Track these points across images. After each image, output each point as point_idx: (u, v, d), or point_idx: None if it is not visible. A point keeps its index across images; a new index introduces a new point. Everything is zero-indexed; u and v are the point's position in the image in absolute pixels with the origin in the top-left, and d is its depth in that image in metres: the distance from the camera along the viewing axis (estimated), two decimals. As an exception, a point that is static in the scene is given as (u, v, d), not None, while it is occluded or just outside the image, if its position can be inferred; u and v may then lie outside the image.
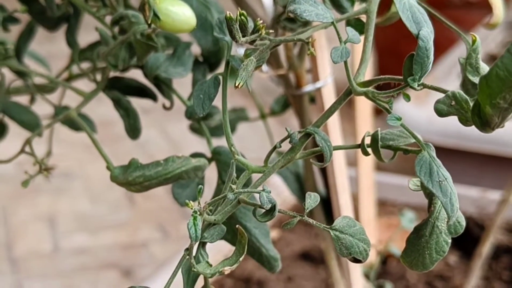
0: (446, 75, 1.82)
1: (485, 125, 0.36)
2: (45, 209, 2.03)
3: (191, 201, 0.43)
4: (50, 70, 0.77)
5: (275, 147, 0.47)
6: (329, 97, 0.72)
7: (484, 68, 0.39)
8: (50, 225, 1.97)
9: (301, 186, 0.78)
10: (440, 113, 0.38)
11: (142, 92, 0.62)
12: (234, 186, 0.43)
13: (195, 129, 0.64)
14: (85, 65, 0.66)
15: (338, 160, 0.69)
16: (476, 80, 0.39)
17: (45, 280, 1.78)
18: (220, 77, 0.47)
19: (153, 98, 0.63)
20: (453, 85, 1.79)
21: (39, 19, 0.65)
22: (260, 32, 0.44)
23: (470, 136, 1.51)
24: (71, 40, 0.65)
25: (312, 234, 1.31)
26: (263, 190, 0.43)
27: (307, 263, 1.26)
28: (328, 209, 0.79)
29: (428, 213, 0.42)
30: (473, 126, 0.38)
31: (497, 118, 0.35)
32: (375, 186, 1.15)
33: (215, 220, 0.45)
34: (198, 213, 0.43)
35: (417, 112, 1.51)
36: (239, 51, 0.73)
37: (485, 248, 1.11)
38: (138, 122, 0.61)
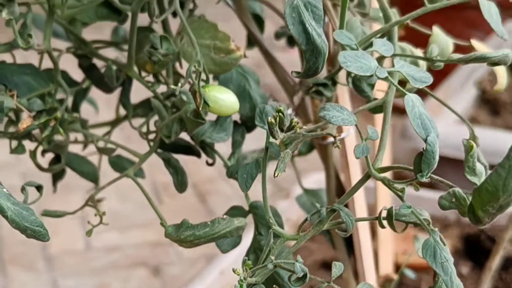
0: (463, 84, 1.90)
1: (478, 222, 0.45)
2: (77, 207, 2.13)
3: (238, 269, 0.53)
4: (97, 109, 0.87)
5: (306, 220, 0.56)
6: (351, 146, 0.82)
7: (480, 169, 0.48)
8: (82, 224, 2.06)
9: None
10: (443, 207, 0.48)
11: (188, 150, 0.72)
12: (273, 258, 0.53)
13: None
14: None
15: (363, 229, 0.79)
16: (473, 179, 0.48)
17: (79, 278, 1.87)
18: (261, 160, 0.57)
19: (198, 155, 0.72)
20: (470, 93, 1.87)
21: (98, 84, 0.74)
22: (295, 129, 0.53)
23: (482, 150, 1.60)
24: (125, 102, 0.74)
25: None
26: (297, 261, 0.53)
27: (329, 272, 1.35)
28: (349, 240, 0.89)
29: (433, 281, 0.51)
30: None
31: (487, 219, 0.45)
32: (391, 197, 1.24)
33: (256, 281, 0.55)
34: (244, 279, 0.52)
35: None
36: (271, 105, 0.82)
37: (495, 262, 1.20)
38: (185, 178, 0.71)
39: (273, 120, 0.52)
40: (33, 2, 0.65)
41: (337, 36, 0.54)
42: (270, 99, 0.84)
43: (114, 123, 0.82)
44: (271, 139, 0.56)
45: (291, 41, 0.85)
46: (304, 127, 0.55)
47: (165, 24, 0.70)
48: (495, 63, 0.55)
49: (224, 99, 0.61)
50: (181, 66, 0.70)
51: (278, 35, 0.86)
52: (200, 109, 0.60)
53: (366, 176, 0.55)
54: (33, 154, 0.71)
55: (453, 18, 2.39)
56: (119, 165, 0.77)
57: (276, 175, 0.53)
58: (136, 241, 2.03)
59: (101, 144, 0.71)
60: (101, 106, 0.89)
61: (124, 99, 0.74)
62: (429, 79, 0.54)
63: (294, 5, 0.52)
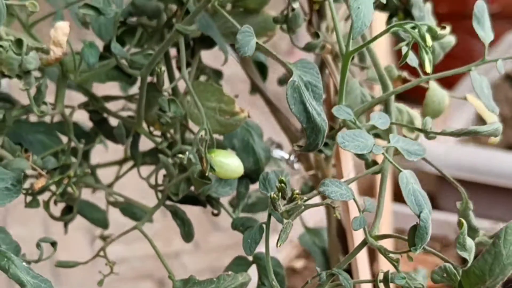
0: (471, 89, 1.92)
1: (468, 298, 0.49)
2: (84, 219, 2.17)
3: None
4: (107, 146, 0.90)
5: (306, 282, 0.60)
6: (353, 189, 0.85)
7: (470, 244, 0.52)
8: (89, 237, 2.09)
9: (326, 260, 0.91)
10: (435, 281, 0.51)
11: (195, 201, 0.75)
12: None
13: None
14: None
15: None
16: (464, 255, 0.51)
17: (85, 290, 1.91)
18: (264, 226, 0.60)
19: (204, 205, 0.76)
20: (471, 109, 1.89)
21: (108, 135, 0.77)
22: (296, 201, 0.57)
23: (483, 170, 1.63)
24: (134, 153, 0.77)
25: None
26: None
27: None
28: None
29: None
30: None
31: (476, 296, 0.48)
32: (393, 216, 1.28)
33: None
34: None
35: (434, 146, 1.63)
36: (275, 153, 0.86)
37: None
38: (192, 229, 0.74)
39: (275, 195, 0.55)
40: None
41: (336, 112, 0.57)
42: (273, 146, 0.87)
43: (122, 162, 0.85)
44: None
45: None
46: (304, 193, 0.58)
47: (172, 82, 0.73)
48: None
49: (229, 164, 0.64)
50: (186, 122, 0.73)
51: (281, 82, 0.89)
52: (207, 173, 0.63)
53: (363, 243, 0.58)
54: (46, 205, 0.74)
55: (455, 27, 2.41)
56: (129, 211, 0.80)
57: (278, 245, 0.56)
58: (141, 253, 2.06)
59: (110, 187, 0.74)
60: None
61: (133, 150, 0.77)
62: (423, 151, 0.57)
63: (295, 86, 0.56)
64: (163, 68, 0.65)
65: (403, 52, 0.56)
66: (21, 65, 0.62)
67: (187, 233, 0.74)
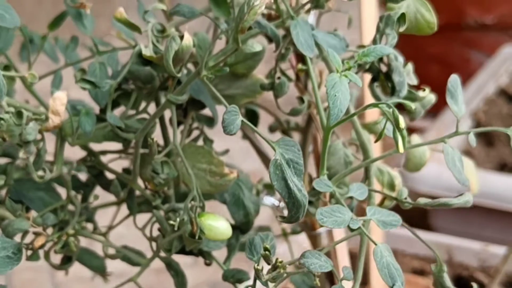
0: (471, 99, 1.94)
1: None
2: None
3: None
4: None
5: None
6: (339, 235, 0.89)
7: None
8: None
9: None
10: None
11: (188, 252, 0.79)
12: None
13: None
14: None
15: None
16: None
17: (86, 304, 1.94)
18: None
19: (196, 256, 0.80)
20: (465, 125, 1.93)
21: (105, 188, 0.81)
22: (279, 269, 0.60)
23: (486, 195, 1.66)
24: (131, 204, 0.81)
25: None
26: None
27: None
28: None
29: None
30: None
31: None
32: (386, 237, 1.31)
33: None
34: None
35: (425, 168, 1.66)
36: (265, 200, 0.90)
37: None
38: (185, 280, 0.78)
39: (257, 267, 0.59)
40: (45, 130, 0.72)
41: (317, 185, 0.61)
42: (264, 193, 0.91)
43: (120, 203, 0.89)
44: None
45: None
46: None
47: (166, 142, 0.77)
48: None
49: (218, 227, 0.68)
50: (179, 181, 0.77)
51: (271, 129, 0.92)
52: (197, 236, 0.68)
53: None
54: (46, 256, 0.78)
55: (451, 38, 2.43)
56: (126, 257, 0.84)
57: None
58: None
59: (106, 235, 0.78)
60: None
61: (128, 202, 0.81)
62: (398, 221, 0.61)
63: (277, 164, 0.59)
64: (155, 139, 0.69)
65: (380, 128, 0.60)
66: (22, 135, 0.66)
67: (181, 283, 0.78)
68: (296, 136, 0.89)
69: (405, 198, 0.64)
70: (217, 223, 0.68)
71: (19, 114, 0.66)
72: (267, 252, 0.62)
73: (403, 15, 0.65)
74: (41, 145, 0.70)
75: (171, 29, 0.72)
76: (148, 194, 0.77)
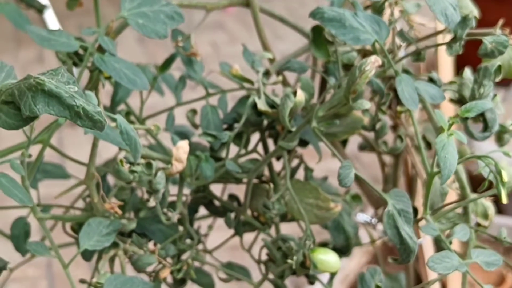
0: None
1: None
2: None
3: None
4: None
5: None
6: (429, 251, 0.95)
7: None
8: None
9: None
10: None
11: (293, 273, 0.86)
12: None
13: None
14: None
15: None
16: None
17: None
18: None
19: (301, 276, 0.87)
20: None
21: (216, 214, 0.89)
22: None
23: None
24: (238, 229, 0.88)
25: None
26: None
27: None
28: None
29: None
30: None
31: None
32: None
33: None
34: None
35: None
36: (359, 217, 0.96)
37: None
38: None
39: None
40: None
41: (424, 230, 0.67)
42: (357, 210, 0.98)
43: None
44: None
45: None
46: None
47: (272, 175, 0.83)
48: None
49: (328, 260, 0.75)
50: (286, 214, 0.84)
51: (361, 148, 0.98)
52: (310, 269, 0.75)
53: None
54: (164, 279, 0.86)
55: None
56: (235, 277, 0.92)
57: None
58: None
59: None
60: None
61: (237, 227, 0.88)
62: (500, 261, 0.67)
63: (390, 214, 0.66)
64: (271, 186, 0.75)
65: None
66: (151, 185, 0.73)
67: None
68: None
69: (504, 238, 0.69)
70: (328, 257, 0.75)
71: (148, 165, 0.73)
72: (378, 290, 0.68)
73: (499, 67, 0.70)
74: (165, 190, 0.77)
75: (279, 77, 0.79)
76: (257, 222, 0.84)
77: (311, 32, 0.80)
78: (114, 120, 0.67)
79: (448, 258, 0.65)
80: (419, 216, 0.84)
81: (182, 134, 0.92)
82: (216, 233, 0.94)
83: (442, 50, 0.86)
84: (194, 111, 0.82)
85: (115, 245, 0.76)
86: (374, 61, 0.66)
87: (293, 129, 0.72)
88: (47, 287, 1.93)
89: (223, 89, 0.84)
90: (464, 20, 0.69)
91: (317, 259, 0.75)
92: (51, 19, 2.38)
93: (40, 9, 0.99)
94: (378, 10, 0.75)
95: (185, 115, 0.86)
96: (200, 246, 0.92)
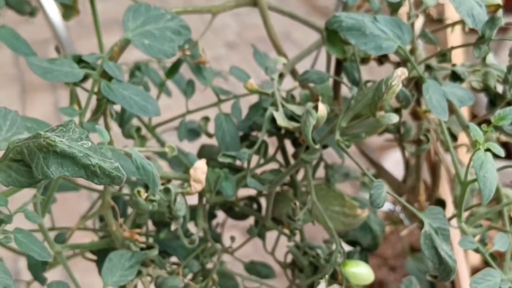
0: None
1: None
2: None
3: None
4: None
5: None
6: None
7: None
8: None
9: (432, 285, 1.00)
10: None
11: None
12: None
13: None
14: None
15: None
16: None
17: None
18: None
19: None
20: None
21: (235, 217, 0.86)
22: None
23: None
24: (261, 233, 0.86)
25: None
26: None
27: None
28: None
29: None
30: None
31: None
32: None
33: None
34: None
35: None
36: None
37: None
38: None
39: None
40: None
41: (461, 244, 0.64)
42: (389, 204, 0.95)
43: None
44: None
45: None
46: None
47: (293, 181, 0.80)
48: None
49: (360, 273, 0.72)
50: (313, 224, 0.81)
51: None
52: (343, 286, 0.72)
53: None
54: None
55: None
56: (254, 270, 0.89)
57: None
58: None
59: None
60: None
61: (260, 233, 0.86)
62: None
63: (427, 234, 0.63)
64: (298, 204, 0.72)
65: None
66: (171, 211, 0.70)
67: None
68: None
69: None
70: (360, 269, 0.72)
71: (166, 191, 0.70)
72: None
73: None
74: (185, 214, 0.74)
75: (295, 83, 0.74)
76: (280, 229, 0.81)
77: (324, 30, 0.76)
78: (129, 155, 0.63)
79: (490, 276, 0.62)
80: (447, 209, 0.82)
81: (193, 132, 0.88)
82: (233, 232, 0.92)
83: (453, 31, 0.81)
84: (206, 119, 0.79)
85: (138, 273, 0.73)
86: (400, 74, 0.62)
87: (317, 146, 0.69)
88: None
89: (235, 94, 0.79)
90: (493, 20, 0.64)
91: (349, 273, 0.72)
92: (57, 19, 2.20)
93: (32, 13, 0.94)
94: (395, 7, 0.71)
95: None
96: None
